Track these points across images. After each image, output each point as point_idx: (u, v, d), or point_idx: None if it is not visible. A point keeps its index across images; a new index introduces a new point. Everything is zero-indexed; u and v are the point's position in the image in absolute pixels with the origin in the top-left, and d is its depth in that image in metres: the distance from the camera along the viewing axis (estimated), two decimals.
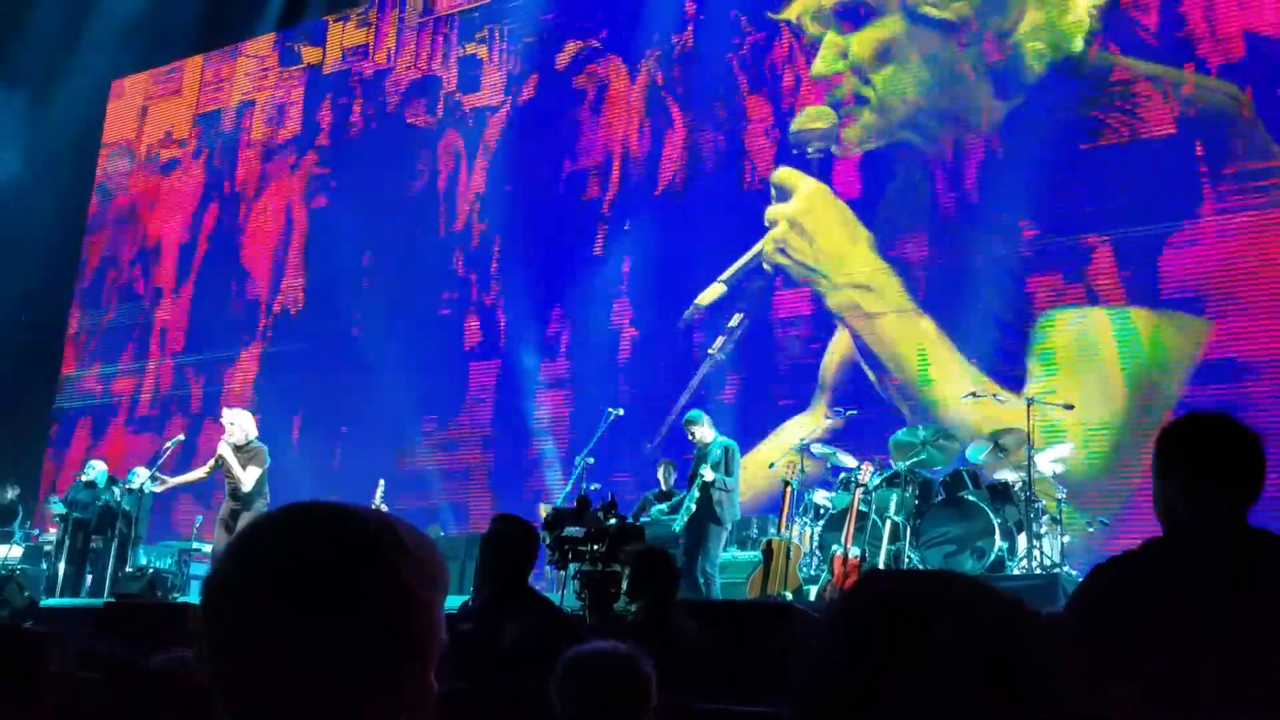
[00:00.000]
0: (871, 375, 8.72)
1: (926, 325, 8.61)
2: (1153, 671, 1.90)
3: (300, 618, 0.93)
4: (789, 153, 9.57)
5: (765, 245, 9.35)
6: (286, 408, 11.78)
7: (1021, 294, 8.34)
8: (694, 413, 8.06)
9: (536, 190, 11.23)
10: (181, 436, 10.07)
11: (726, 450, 7.73)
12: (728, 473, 7.62)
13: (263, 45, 13.79)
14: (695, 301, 9.51)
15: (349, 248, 12.27)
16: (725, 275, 9.40)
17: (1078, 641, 2.01)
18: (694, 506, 7.53)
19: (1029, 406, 7.23)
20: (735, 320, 9.31)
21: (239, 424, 8.12)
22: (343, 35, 13.27)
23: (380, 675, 0.94)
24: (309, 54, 13.47)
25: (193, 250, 13.56)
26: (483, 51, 12.15)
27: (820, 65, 9.43)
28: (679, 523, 7.65)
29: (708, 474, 7.49)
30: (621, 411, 8.47)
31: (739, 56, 10.10)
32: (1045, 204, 8.34)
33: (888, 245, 8.90)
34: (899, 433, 7.82)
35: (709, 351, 9.39)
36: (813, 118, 9.36)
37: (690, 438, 7.92)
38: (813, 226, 9.20)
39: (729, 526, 7.74)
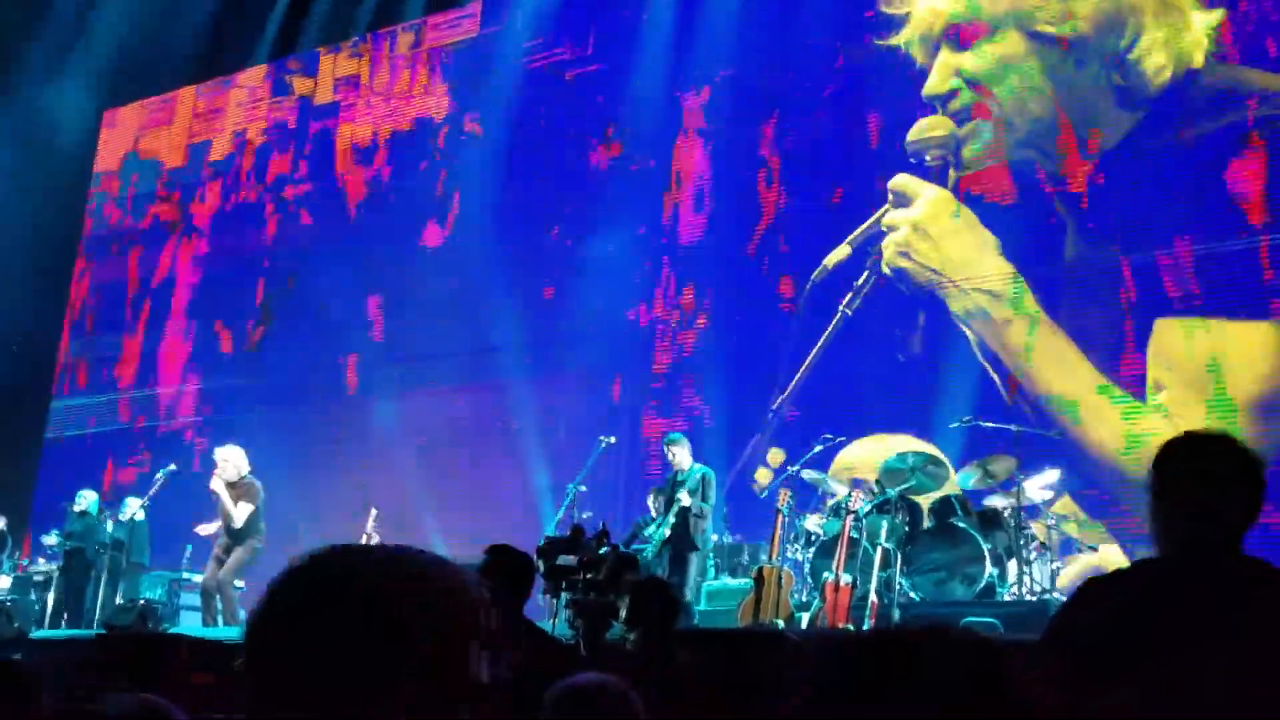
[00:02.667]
0: (997, 380, 8.62)
1: (1054, 332, 8.51)
2: (1150, 679, 1.91)
3: (315, 649, 1.02)
4: (892, 164, 9.53)
5: (885, 250, 9.31)
6: (278, 437, 11.76)
7: (1145, 302, 8.24)
8: (675, 435, 8.09)
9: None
10: (173, 466, 10.06)
11: (704, 478, 7.80)
12: (704, 499, 7.70)
13: (255, 76, 13.87)
14: (823, 263, 9.57)
15: (341, 277, 12.31)
16: (851, 237, 9.47)
17: (1068, 648, 2.02)
18: (668, 532, 7.59)
19: (1017, 435, 7.31)
20: (863, 279, 9.33)
21: (231, 460, 8.18)
22: (334, 66, 13.36)
23: (378, 684, 1.01)
24: (300, 85, 13.54)
25: (186, 279, 13.56)
26: (472, 83, 12.24)
27: (934, 84, 9.40)
28: (651, 549, 7.70)
29: (685, 499, 7.57)
30: (614, 439, 8.51)
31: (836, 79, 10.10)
32: (1172, 214, 8.28)
33: (1015, 252, 8.84)
34: (888, 459, 7.86)
35: (840, 308, 9.39)
36: (930, 127, 9.34)
37: (670, 459, 7.97)
38: (938, 231, 9.15)
39: (706, 552, 7.81)
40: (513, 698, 3.45)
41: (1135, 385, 8.11)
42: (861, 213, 9.55)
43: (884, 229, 9.35)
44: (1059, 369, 8.39)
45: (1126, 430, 7.93)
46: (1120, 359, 8.23)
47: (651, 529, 7.94)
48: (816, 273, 9.63)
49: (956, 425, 8.09)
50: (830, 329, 9.41)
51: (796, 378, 9.43)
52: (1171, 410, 7.75)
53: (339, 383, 11.91)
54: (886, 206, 9.44)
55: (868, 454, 8.73)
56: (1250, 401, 7.68)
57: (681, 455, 7.94)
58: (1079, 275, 8.55)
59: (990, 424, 7.88)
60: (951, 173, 9.21)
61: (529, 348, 10.88)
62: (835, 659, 1.04)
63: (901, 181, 9.36)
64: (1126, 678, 1.93)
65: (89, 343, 14.08)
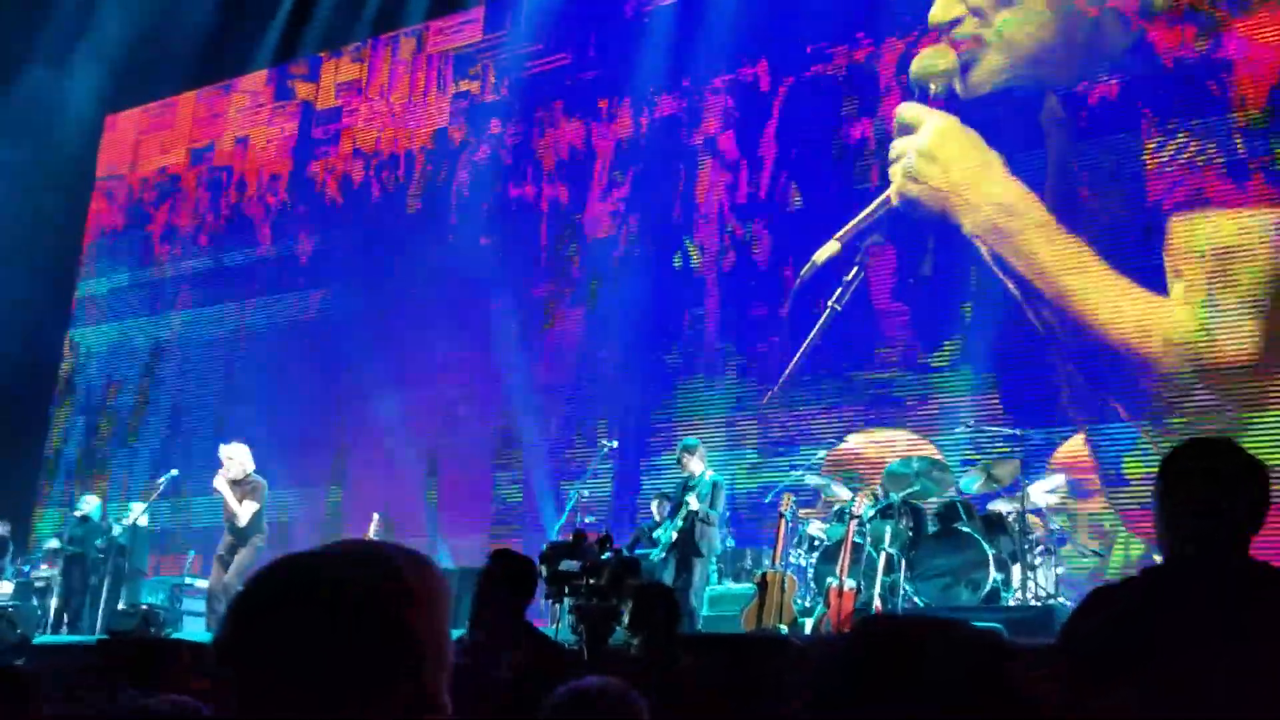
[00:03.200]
0: (1016, 292, 8.79)
1: (1066, 235, 8.71)
2: (1154, 679, 1.90)
3: (301, 660, 1.01)
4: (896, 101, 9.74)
5: (894, 178, 9.51)
6: (281, 442, 11.76)
7: (1153, 199, 8.47)
8: (691, 440, 8.08)
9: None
10: (175, 472, 10.07)
11: (715, 485, 7.79)
12: (713, 506, 7.69)
13: (257, 81, 13.89)
14: (812, 259, 9.73)
15: (344, 284, 12.33)
16: (841, 233, 9.67)
17: (1076, 656, 2.02)
18: (675, 535, 7.58)
19: (1020, 442, 7.30)
20: (852, 274, 9.46)
21: (236, 458, 8.15)
22: (336, 71, 13.38)
23: (372, 683, 1.01)
24: (303, 89, 13.57)
25: (188, 284, 13.58)
26: (475, 87, 12.27)
27: (938, 12, 9.62)
28: (657, 553, 7.68)
29: (693, 503, 7.56)
30: (615, 444, 8.50)
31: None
32: (1178, 114, 8.48)
33: (1022, 166, 9.05)
34: (892, 464, 7.86)
35: (828, 304, 9.53)
36: (933, 56, 9.56)
37: (680, 466, 7.96)
38: (945, 154, 9.38)
39: (711, 559, 7.80)
40: (513, 700, 3.44)
41: (1154, 281, 8.28)
42: (850, 209, 9.69)
43: (891, 158, 9.55)
44: (1075, 270, 8.55)
45: (1149, 321, 8.14)
46: (1136, 257, 8.41)
47: (660, 531, 7.93)
48: (805, 269, 9.78)
49: (961, 430, 8.11)
50: (819, 325, 9.54)
51: (786, 372, 9.56)
52: (1194, 300, 8.02)
53: (342, 387, 11.90)
54: (874, 203, 9.57)
55: (861, 448, 8.79)
56: (1271, 289, 7.86)
57: (693, 462, 7.92)
58: (1088, 181, 8.72)
59: (994, 428, 7.90)
60: (959, 86, 9.38)
61: (531, 352, 10.89)
62: (839, 656, 1.03)
63: (906, 110, 9.57)
64: (1131, 678, 1.92)
65: (91, 347, 14.08)
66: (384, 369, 11.68)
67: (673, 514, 7.83)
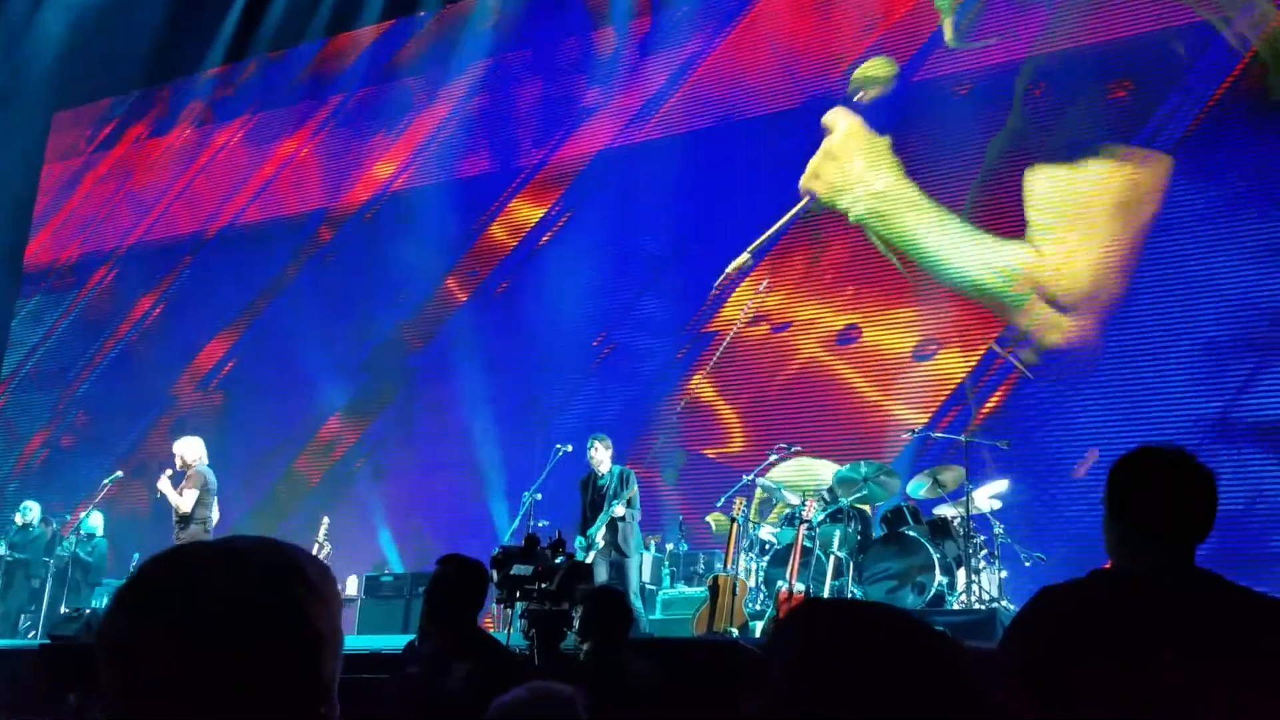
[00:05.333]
0: (894, 260, 9.53)
1: (941, 215, 9.46)
2: (1107, 692, 1.92)
3: (198, 656, 0.97)
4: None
5: (806, 174, 10.12)
6: (232, 449, 11.64)
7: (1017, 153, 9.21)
8: (601, 435, 8.03)
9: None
10: (120, 474, 9.92)
11: (624, 477, 7.76)
12: (630, 504, 7.67)
13: (193, 110, 13.75)
14: (725, 270, 10.11)
15: (291, 287, 12.25)
16: (753, 246, 10.08)
17: (1016, 665, 2.03)
18: (601, 542, 7.55)
19: (966, 445, 7.41)
20: (763, 285, 9.91)
21: (180, 452, 7.98)
22: (282, 74, 13.28)
23: (283, 675, 1.00)
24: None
25: (141, 286, 13.40)
26: (422, 97, 12.26)
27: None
28: (580, 555, 7.62)
29: (619, 511, 7.55)
30: (570, 448, 8.49)
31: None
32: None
33: (913, 167, 9.73)
34: (841, 469, 7.94)
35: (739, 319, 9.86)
36: (874, 66, 10.12)
37: (589, 458, 7.90)
38: (844, 152, 10.03)
39: (639, 555, 7.80)
40: (464, 708, 3.44)
41: (1004, 230, 9.13)
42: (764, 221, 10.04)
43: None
44: (939, 233, 9.42)
45: (1001, 263, 8.96)
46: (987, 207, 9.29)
47: (591, 531, 7.85)
48: (720, 280, 10.05)
49: (908, 436, 8.21)
50: (729, 337, 9.89)
51: (692, 384, 9.85)
52: (1043, 241, 8.88)
53: (291, 388, 11.79)
54: (784, 219, 9.98)
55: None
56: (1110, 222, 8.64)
57: (600, 455, 7.88)
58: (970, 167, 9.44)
59: (939, 434, 8.01)
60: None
61: (485, 355, 10.87)
62: (781, 652, 1.05)
63: (830, 116, 10.17)
64: (1081, 691, 1.94)
65: (39, 352, 13.84)
66: (333, 371, 11.61)
67: (593, 512, 7.76)
